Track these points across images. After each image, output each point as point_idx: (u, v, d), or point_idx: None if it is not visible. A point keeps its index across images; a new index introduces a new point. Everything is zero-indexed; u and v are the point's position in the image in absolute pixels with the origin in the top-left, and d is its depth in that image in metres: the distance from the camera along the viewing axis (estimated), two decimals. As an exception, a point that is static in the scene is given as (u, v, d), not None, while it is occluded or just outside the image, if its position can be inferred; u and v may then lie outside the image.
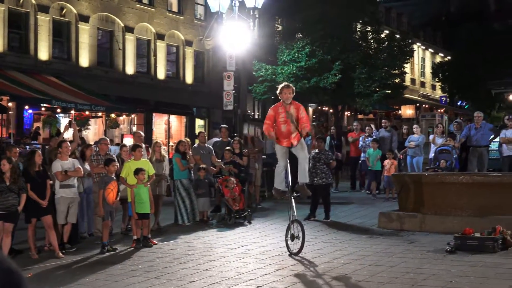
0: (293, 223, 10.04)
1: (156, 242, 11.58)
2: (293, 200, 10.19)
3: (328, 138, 19.09)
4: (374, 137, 19.12)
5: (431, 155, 17.84)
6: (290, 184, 10.20)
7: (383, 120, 21.17)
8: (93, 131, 28.58)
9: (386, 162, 17.75)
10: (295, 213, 10.12)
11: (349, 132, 25.15)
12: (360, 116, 46.07)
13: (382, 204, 16.22)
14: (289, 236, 10.06)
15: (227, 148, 15.43)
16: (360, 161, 19.41)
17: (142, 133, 15.19)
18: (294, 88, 10.12)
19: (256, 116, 42.08)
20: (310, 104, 31.55)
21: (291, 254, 9.91)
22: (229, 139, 16.80)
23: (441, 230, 11.53)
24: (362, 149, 19.11)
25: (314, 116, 44.41)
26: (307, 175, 10.36)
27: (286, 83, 10.20)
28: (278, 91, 10.04)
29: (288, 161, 10.16)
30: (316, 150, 14.27)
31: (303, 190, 10.33)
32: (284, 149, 10.10)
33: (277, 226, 13.17)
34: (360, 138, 19.34)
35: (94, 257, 10.59)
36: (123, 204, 12.48)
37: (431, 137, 18.80)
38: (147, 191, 11.66)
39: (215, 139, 18.00)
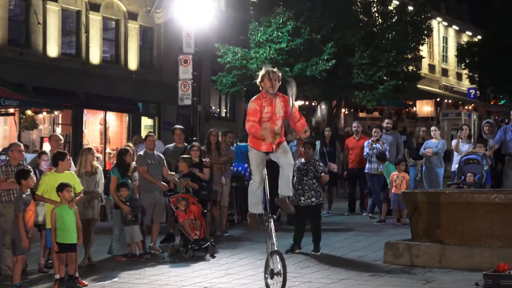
0: (272, 256, 10.07)
1: (86, 283, 11.51)
2: (272, 224, 10.22)
3: (318, 143, 19.09)
4: (384, 142, 19.07)
5: (455, 166, 17.95)
6: (268, 202, 10.25)
7: (385, 121, 21.06)
8: (2, 134, 28.36)
9: (394, 175, 17.75)
10: (275, 242, 10.14)
11: (346, 135, 25.14)
12: (361, 115, 46.23)
13: (389, 232, 16.30)
14: (268, 273, 10.09)
15: (184, 156, 15.40)
16: (366, 175, 19.34)
17: (61, 136, 15.07)
18: (280, 74, 10.28)
19: (223, 114, 42.11)
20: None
21: (271, 297, 9.95)
22: (186, 144, 16.77)
23: (467, 266, 11.59)
24: (368, 158, 19.10)
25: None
26: (291, 186, 10.43)
27: (270, 68, 10.37)
28: (259, 79, 10.23)
29: (265, 173, 10.25)
30: (303, 160, 14.28)
31: (284, 205, 10.40)
32: (261, 156, 10.19)
33: (250, 260, 13.16)
34: (365, 144, 19.30)
35: (2, 303, 10.51)
36: (41, 231, 12.38)
37: (454, 142, 18.91)
38: (73, 214, 11.57)
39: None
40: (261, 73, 10.25)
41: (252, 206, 10.42)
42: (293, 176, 13.73)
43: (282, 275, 9.80)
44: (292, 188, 10.57)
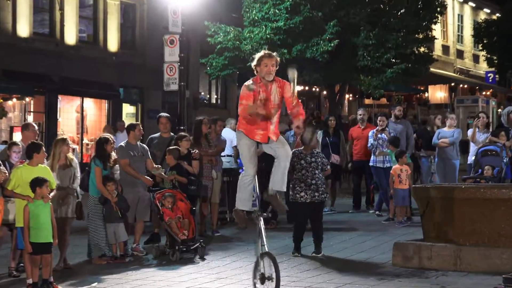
0: (262, 258, 10.08)
1: (62, 289, 11.53)
2: (262, 223, 10.23)
3: (320, 133, 19.10)
4: (391, 132, 19.03)
5: (471, 158, 17.97)
6: (259, 199, 10.26)
7: (397, 108, 20.96)
8: (-32, 123, 28.35)
9: (398, 169, 17.60)
10: (265, 243, 10.16)
11: (351, 124, 25.11)
12: (367, 101, 46.21)
13: (398, 231, 16.34)
14: (257, 277, 10.09)
15: (170, 148, 15.39)
16: (372, 168, 19.31)
17: (36, 126, 15.04)
18: (278, 59, 10.34)
19: (213, 101, 42.08)
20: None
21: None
22: (172, 134, 16.76)
23: (485, 269, 11.64)
24: (373, 149, 19.08)
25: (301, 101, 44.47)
26: (286, 180, 10.45)
27: (267, 52, 10.43)
28: (255, 63, 10.29)
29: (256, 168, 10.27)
30: (300, 149, 14.25)
31: (276, 201, 10.41)
32: (253, 146, 10.19)
33: (243, 263, 13.18)
34: (370, 134, 19.28)
35: (-32, 311, 10.52)
36: (12, 231, 12.37)
37: (470, 132, 18.92)
38: (48, 210, 11.57)
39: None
40: (258, 56, 10.29)
41: (240, 202, 10.40)
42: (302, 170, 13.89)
43: (274, 279, 9.80)
44: (286, 183, 10.56)
